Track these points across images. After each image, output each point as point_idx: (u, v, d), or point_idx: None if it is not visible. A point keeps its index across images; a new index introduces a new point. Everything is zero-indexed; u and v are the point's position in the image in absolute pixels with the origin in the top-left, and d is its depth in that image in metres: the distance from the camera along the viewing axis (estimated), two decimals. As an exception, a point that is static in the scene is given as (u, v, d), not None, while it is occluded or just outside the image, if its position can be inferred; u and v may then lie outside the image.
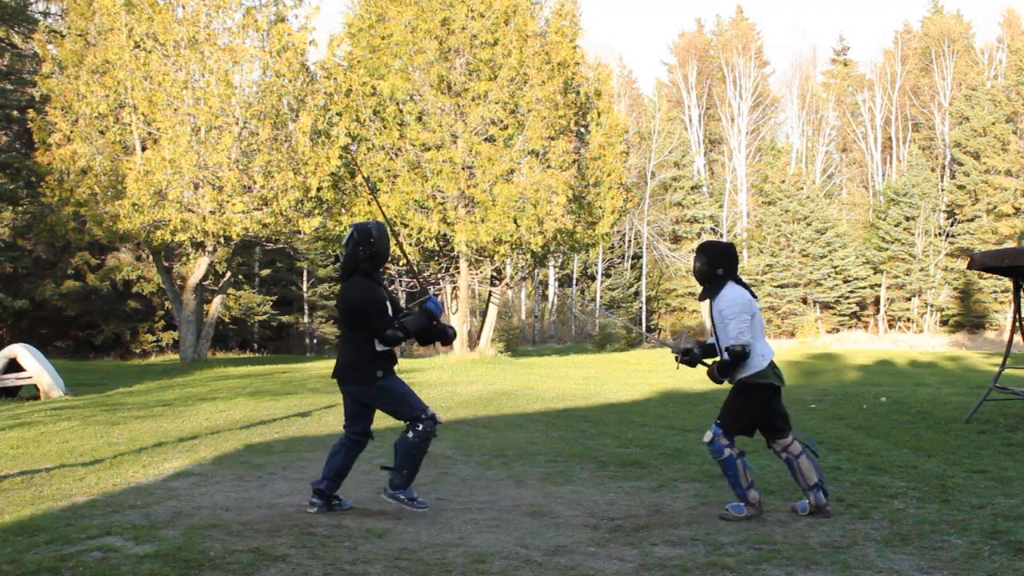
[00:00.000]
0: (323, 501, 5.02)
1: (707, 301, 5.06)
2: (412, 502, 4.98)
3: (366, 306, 4.81)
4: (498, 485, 5.94)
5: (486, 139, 21.00)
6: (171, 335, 30.09)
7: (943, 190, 42.10)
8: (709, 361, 5.11)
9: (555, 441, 7.82)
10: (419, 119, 20.94)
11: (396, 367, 5.08)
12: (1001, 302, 37.17)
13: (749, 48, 51.08)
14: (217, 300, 22.95)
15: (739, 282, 5.03)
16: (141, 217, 18.39)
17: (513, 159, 20.73)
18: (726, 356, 4.85)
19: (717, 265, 5.03)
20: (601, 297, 45.73)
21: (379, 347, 4.87)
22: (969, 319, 38.45)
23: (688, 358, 5.15)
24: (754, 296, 5.05)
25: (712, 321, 4.99)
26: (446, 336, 5.22)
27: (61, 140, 19.17)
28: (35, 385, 12.76)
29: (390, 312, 4.91)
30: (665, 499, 5.46)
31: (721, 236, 46.25)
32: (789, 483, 5.82)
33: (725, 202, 47.21)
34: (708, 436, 4.97)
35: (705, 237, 45.62)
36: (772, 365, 4.93)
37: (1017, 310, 8.76)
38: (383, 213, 6.16)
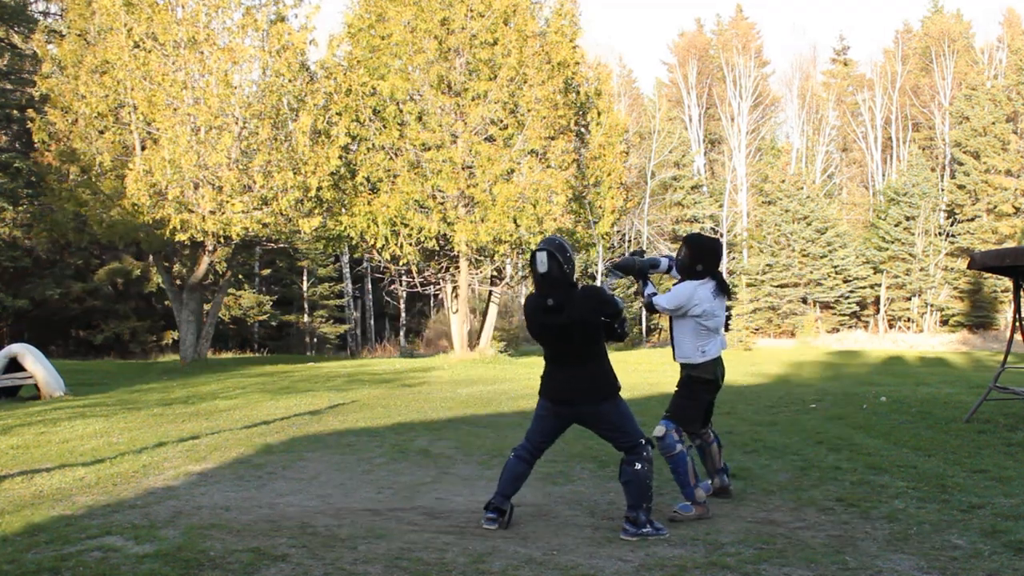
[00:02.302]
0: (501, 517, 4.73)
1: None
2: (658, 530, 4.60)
3: (611, 301, 4.65)
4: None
5: (486, 139, 21.01)
6: (171, 335, 30.09)
7: (943, 190, 42.07)
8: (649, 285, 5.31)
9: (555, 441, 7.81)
10: (419, 119, 20.94)
11: None
12: (1001, 302, 37.17)
13: (749, 48, 51.05)
14: (217, 300, 22.98)
15: (716, 278, 5.12)
16: (141, 217, 18.41)
17: (513, 159, 20.73)
18: (648, 299, 5.19)
19: (698, 260, 5.14)
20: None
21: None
22: (974, 318, 38.42)
23: (620, 272, 5.27)
24: (725, 294, 5.17)
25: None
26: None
27: (61, 140, 19.19)
28: (35, 385, 12.76)
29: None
30: (665, 499, 5.46)
31: (721, 236, 46.25)
32: (789, 484, 5.83)
33: (725, 202, 47.19)
34: (660, 431, 5.02)
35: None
36: (715, 363, 5.15)
37: (1017, 310, 8.76)
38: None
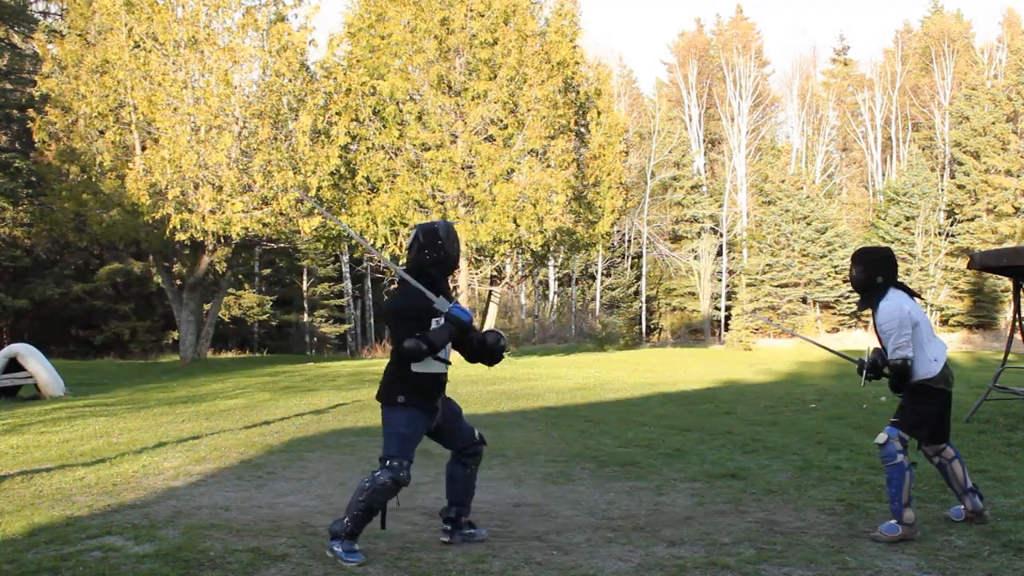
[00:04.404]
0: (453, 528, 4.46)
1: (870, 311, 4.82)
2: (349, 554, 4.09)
3: (391, 314, 4.27)
4: (498, 485, 5.94)
5: (486, 139, 21.01)
6: (171, 335, 30.08)
7: (943, 190, 42.08)
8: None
9: (555, 441, 7.82)
10: (419, 119, 20.94)
11: (438, 398, 4.35)
12: (1003, 301, 37.17)
13: (749, 48, 51.04)
14: (217, 300, 22.98)
15: (901, 287, 4.72)
16: (141, 217, 18.41)
17: (513, 159, 20.74)
18: (892, 362, 4.58)
19: (876, 273, 4.71)
20: (601, 296, 45.74)
21: (414, 367, 4.20)
22: (975, 318, 38.40)
23: (872, 374, 4.76)
24: (917, 297, 4.81)
25: (876, 333, 4.72)
26: (491, 350, 4.40)
27: (61, 140, 19.20)
28: (35, 385, 12.75)
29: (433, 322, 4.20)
30: (665, 499, 5.46)
31: (721, 235, 46.22)
32: (789, 484, 5.82)
33: (725, 202, 47.20)
34: (882, 437, 4.56)
35: (705, 236, 45.64)
36: (945, 367, 4.69)
37: (1017, 309, 8.76)
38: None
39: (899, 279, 4.75)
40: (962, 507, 4.74)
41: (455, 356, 4.48)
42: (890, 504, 4.49)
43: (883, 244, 40.34)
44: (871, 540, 4.40)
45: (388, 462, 4.14)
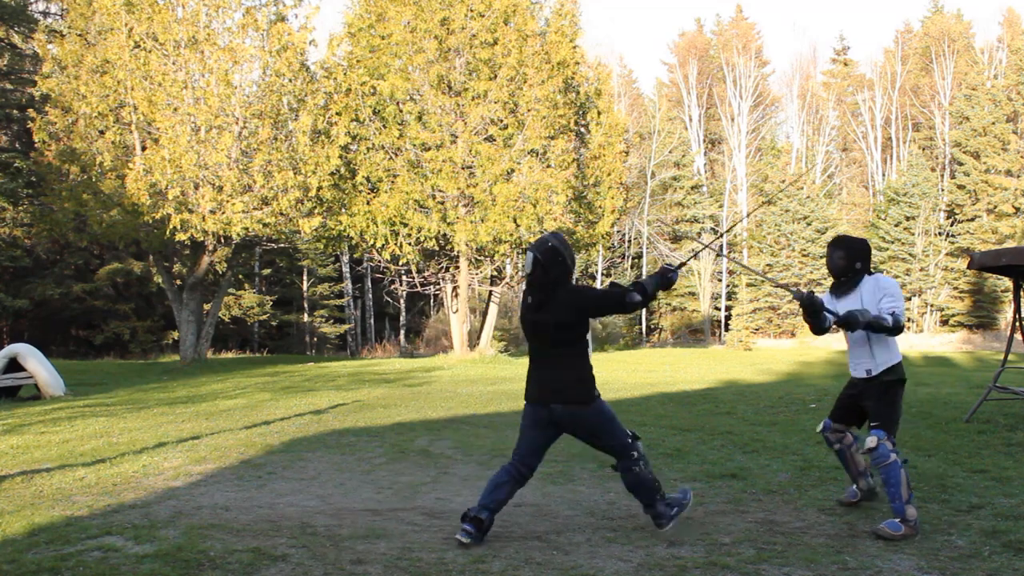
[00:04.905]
0: (479, 532, 4.43)
1: (845, 297, 4.93)
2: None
3: (595, 297, 4.54)
4: (498, 485, 5.93)
5: (486, 139, 21.01)
6: (171, 335, 30.09)
7: (943, 190, 42.08)
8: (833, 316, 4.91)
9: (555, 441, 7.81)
10: (419, 119, 20.94)
11: None
12: (1003, 301, 37.17)
13: (749, 48, 51.05)
14: (217, 300, 22.97)
15: (873, 275, 4.93)
16: (141, 217, 18.41)
17: (513, 159, 20.74)
18: (886, 321, 4.71)
19: (856, 260, 4.91)
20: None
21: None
22: (976, 318, 38.39)
23: (810, 302, 4.85)
24: None
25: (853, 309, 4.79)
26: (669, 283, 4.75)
27: (61, 140, 19.19)
28: (35, 385, 12.76)
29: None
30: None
31: (721, 236, 46.20)
32: (789, 484, 5.82)
33: (725, 202, 47.21)
34: (872, 441, 4.61)
35: (705, 236, 45.62)
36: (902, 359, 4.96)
37: (1017, 309, 8.76)
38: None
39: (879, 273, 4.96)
40: (855, 487, 5.11)
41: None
42: (891, 504, 4.51)
43: (884, 244, 40.39)
44: (873, 535, 4.42)
45: (632, 449, 4.53)
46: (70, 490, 5.66)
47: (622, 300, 4.46)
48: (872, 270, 4.98)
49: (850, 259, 4.91)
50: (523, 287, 32.21)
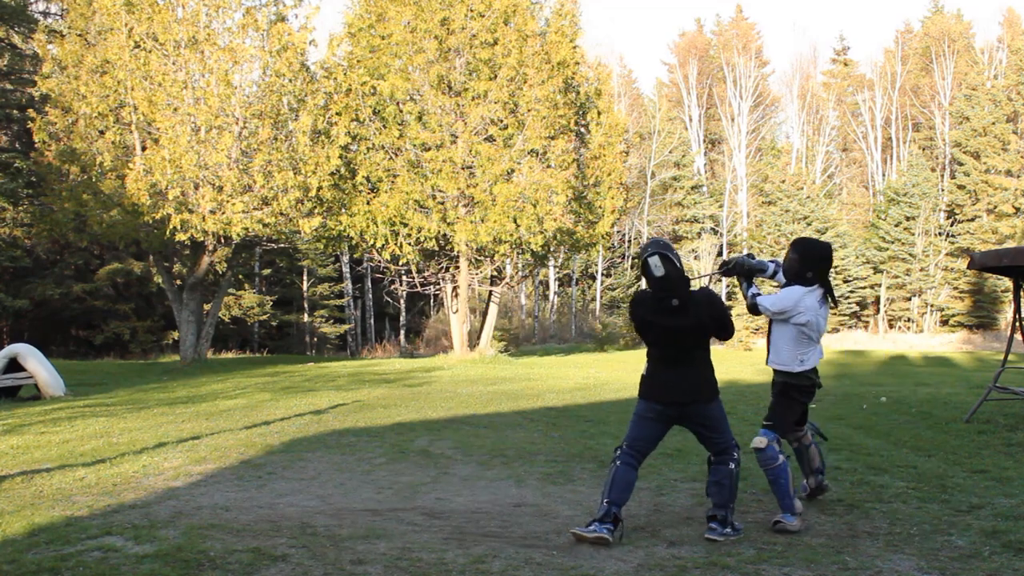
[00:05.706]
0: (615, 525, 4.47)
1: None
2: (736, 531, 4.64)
3: (725, 310, 4.80)
4: (498, 485, 5.94)
5: (486, 139, 21.00)
6: (171, 335, 30.08)
7: (943, 190, 42.07)
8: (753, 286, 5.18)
9: (555, 441, 7.82)
10: (419, 119, 20.93)
11: None
12: (1003, 301, 37.16)
13: (749, 48, 51.05)
14: (217, 300, 22.97)
15: (826, 287, 4.94)
16: (141, 217, 18.41)
17: (513, 159, 20.73)
18: (752, 299, 5.03)
19: (809, 268, 4.93)
20: (601, 297, 45.73)
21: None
22: (976, 318, 38.39)
23: (731, 269, 5.14)
24: (830, 302, 5.00)
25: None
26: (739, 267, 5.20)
27: (61, 140, 19.19)
28: (35, 385, 12.75)
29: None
30: (665, 499, 5.46)
31: (721, 236, 46.23)
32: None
33: (725, 202, 47.22)
34: (761, 442, 4.80)
35: (705, 237, 45.62)
36: (813, 371, 5.01)
37: (1017, 310, 8.76)
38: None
39: (830, 277, 5.04)
40: (806, 482, 5.29)
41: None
42: (781, 502, 4.70)
43: (884, 244, 40.40)
44: (776, 531, 4.58)
45: (735, 449, 4.71)
46: (70, 490, 5.66)
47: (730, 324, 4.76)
48: (829, 281, 4.99)
49: (803, 264, 4.95)
50: (523, 287, 31.98)
